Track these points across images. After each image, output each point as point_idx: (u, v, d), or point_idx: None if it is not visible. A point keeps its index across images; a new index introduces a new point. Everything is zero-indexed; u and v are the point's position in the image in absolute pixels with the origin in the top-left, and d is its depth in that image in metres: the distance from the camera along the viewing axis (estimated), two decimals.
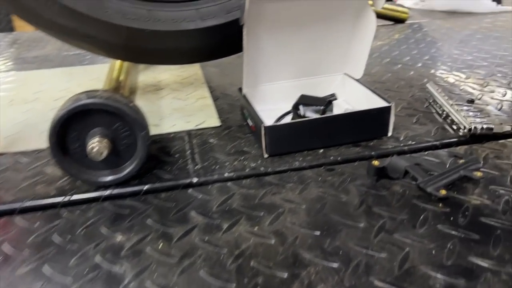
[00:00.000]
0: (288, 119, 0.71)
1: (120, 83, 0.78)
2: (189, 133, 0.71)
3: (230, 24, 0.72)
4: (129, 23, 0.70)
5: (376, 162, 0.55)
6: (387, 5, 1.42)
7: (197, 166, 0.60)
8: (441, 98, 0.74)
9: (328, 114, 0.70)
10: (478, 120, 0.68)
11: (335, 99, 0.74)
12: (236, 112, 0.78)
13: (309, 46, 0.73)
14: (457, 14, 1.50)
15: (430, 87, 0.80)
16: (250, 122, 0.68)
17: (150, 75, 0.98)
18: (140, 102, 0.84)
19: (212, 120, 0.74)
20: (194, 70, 1.01)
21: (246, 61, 0.67)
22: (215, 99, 0.85)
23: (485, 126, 0.65)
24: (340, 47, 0.74)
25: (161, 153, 0.64)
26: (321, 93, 0.76)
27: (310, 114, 0.69)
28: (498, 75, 0.91)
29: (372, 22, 0.68)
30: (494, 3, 1.54)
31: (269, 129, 0.60)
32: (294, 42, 0.71)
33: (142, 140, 0.54)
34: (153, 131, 0.71)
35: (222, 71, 1.01)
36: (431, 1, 1.57)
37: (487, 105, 0.76)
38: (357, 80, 0.74)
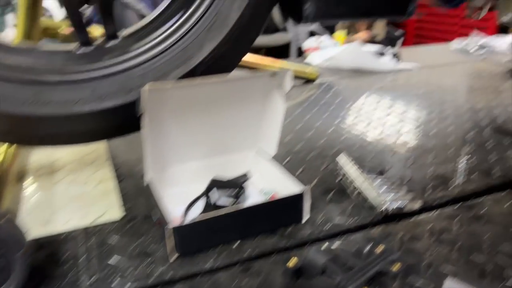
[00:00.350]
0: (199, 206, 0.65)
1: (4, 171, 0.68)
2: (86, 230, 0.62)
3: (132, 104, 0.66)
4: (12, 109, 0.61)
5: (292, 263, 0.51)
6: (297, 66, 1.46)
7: (92, 278, 0.52)
8: (352, 173, 0.74)
9: (241, 198, 0.66)
10: (390, 195, 0.69)
11: (248, 179, 0.70)
12: (143, 196, 0.71)
13: (219, 124, 0.69)
14: (362, 72, 1.59)
15: (342, 159, 0.80)
16: (155, 217, 0.62)
17: (44, 153, 0.88)
18: (30, 190, 0.74)
19: (113, 211, 0.66)
20: (96, 144, 0.93)
21: (148, 150, 0.61)
22: (120, 179, 0.77)
23: (397, 205, 0.65)
24: (252, 125, 0.71)
25: (49, 264, 0.55)
26: (235, 170, 0.72)
27: (223, 200, 0.64)
28: (405, 139, 0.94)
29: (281, 102, 0.67)
30: (394, 60, 1.65)
31: (176, 230, 0.54)
32: (203, 122, 0.67)
33: (19, 262, 0.45)
34: (42, 231, 0.61)
35: (129, 143, 0.93)
36: (338, 60, 1.66)
37: (397, 175, 0.77)
38: (271, 158, 0.71)
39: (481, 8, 1.03)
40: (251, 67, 1.37)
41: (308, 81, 1.46)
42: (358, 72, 1.59)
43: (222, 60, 0.72)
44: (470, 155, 0.85)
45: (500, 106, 1.17)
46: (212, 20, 0.69)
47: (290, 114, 1.12)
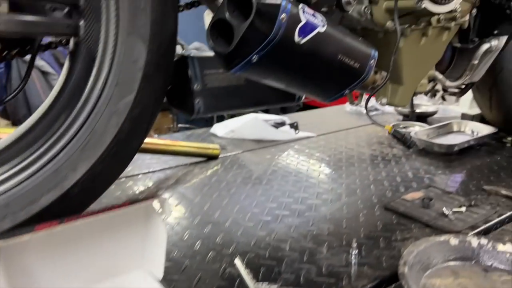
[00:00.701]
0: None
1: None
2: None
3: None
4: None
5: None
6: (199, 144, 1.45)
7: None
8: (247, 281, 0.72)
9: None
10: None
11: None
12: None
13: (99, 253, 0.64)
14: (264, 142, 1.62)
15: (238, 263, 0.77)
16: None
17: None
18: None
19: None
20: None
21: None
22: None
23: None
24: (135, 250, 0.67)
25: None
26: None
27: None
28: (301, 225, 0.95)
29: (162, 228, 0.64)
30: (293, 130, 1.72)
31: None
32: (79, 254, 0.61)
33: None
34: None
35: None
36: (241, 131, 1.68)
37: (292, 276, 0.77)
38: (159, 281, 0.67)
39: (359, 96, 1.12)
40: (152, 150, 1.34)
41: (211, 157, 1.45)
42: (260, 143, 1.62)
43: (100, 177, 0.68)
44: (362, 243, 0.88)
45: (388, 177, 1.25)
46: (86, 138, 0.65)
47: (189, 203, 1.09)
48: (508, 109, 1.51)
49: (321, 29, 0.73)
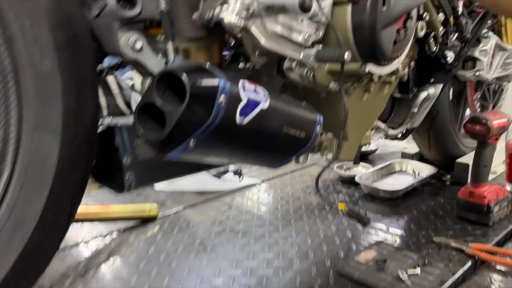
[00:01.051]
0: None
1: None
2: None
3: None
4: None
5: None
6: (133, 206, 1.32)
7: None
8: None
9: None
10: None
11: None
12: None
13: None
14: (208, 193, 1.52)
15: None
16: None
17: None
18: None
19: None
20: None
21: None
22: None
23: None
24: None
25: None
26: None
27: None
28: None
29: None
30: (237, 177, 1.64)
31: None
32: None
33: None
34: None
35: None
36: (180, 183, 1.57)
37: None
38: None
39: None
40: (81, 220, 1.19)
41: (149, 219, 1.32)
42: (202, 195, 1.52)
43: None
44: None
45: (339, 232, 1.20)
46: None
47: (125, 285, 0.96)
48: (445, 149, 1.54)
49: (264, 105, 0.66)
